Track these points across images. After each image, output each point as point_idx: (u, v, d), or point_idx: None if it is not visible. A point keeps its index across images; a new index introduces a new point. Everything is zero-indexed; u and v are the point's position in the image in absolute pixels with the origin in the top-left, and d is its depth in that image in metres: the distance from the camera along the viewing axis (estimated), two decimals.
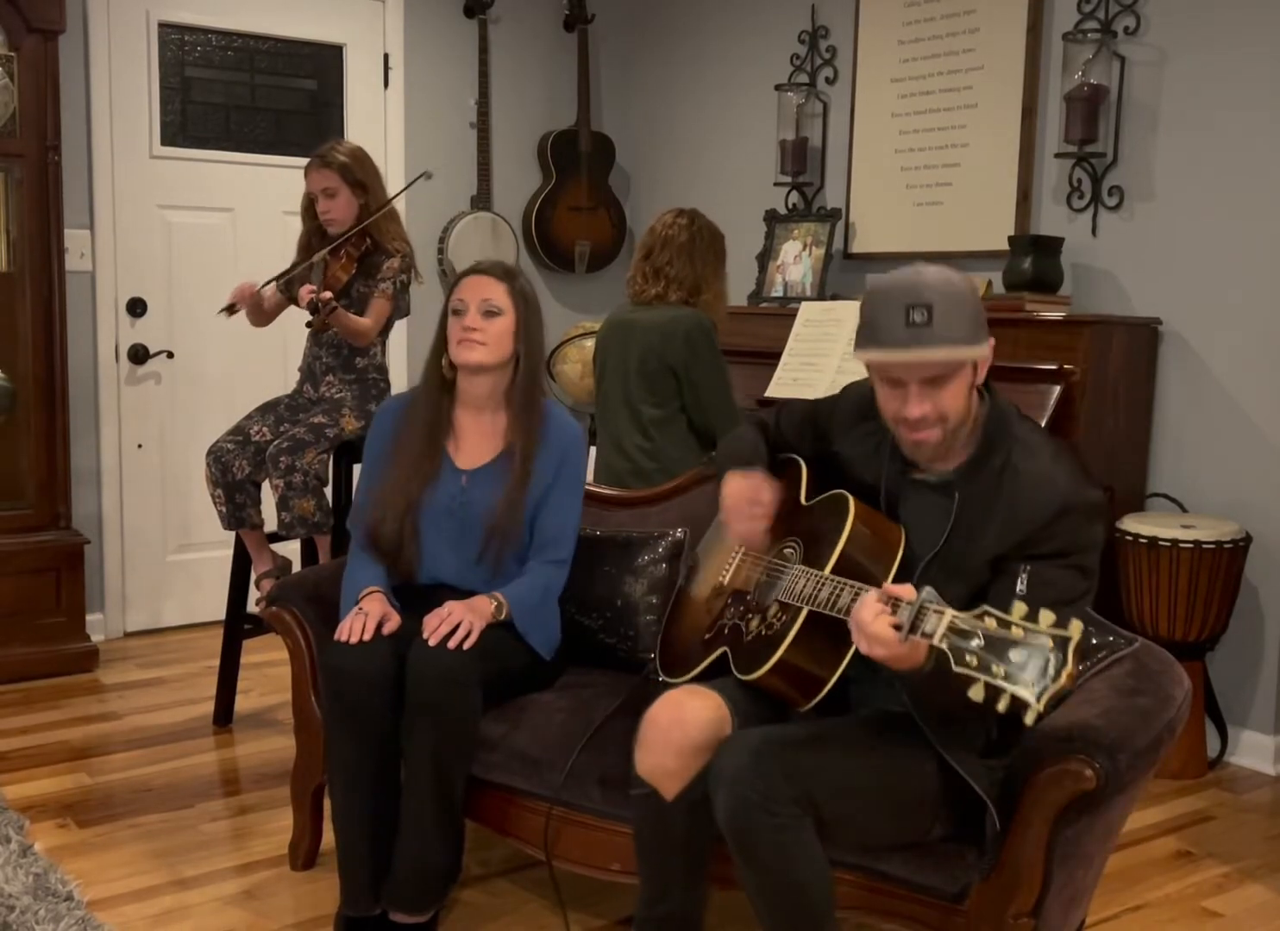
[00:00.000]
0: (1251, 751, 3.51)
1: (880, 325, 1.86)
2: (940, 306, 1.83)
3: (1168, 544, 3.29)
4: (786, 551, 2.10)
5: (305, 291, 3.19)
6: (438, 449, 2.58)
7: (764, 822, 1.83)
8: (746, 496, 2.13)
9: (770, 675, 1.97)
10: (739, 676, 2.04)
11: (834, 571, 1.92)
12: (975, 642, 1.58)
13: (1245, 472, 3.49)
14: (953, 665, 1.59)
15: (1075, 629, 1.54)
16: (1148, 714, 1.96)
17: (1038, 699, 1.52)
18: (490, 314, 2.52)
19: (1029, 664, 1.53)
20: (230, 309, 3.38)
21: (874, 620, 1.71)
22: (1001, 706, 1.55)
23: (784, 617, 1.98)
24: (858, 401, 2.13)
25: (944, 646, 1.61)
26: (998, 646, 1.56)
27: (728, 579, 2.22)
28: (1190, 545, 3.28)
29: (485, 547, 2.55)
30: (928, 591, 1.69)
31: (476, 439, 2.61)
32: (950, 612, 1.63)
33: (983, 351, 1.89)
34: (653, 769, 2.03)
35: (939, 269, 1.88)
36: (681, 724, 2.01)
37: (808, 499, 2.14)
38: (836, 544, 1.95)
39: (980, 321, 1.89)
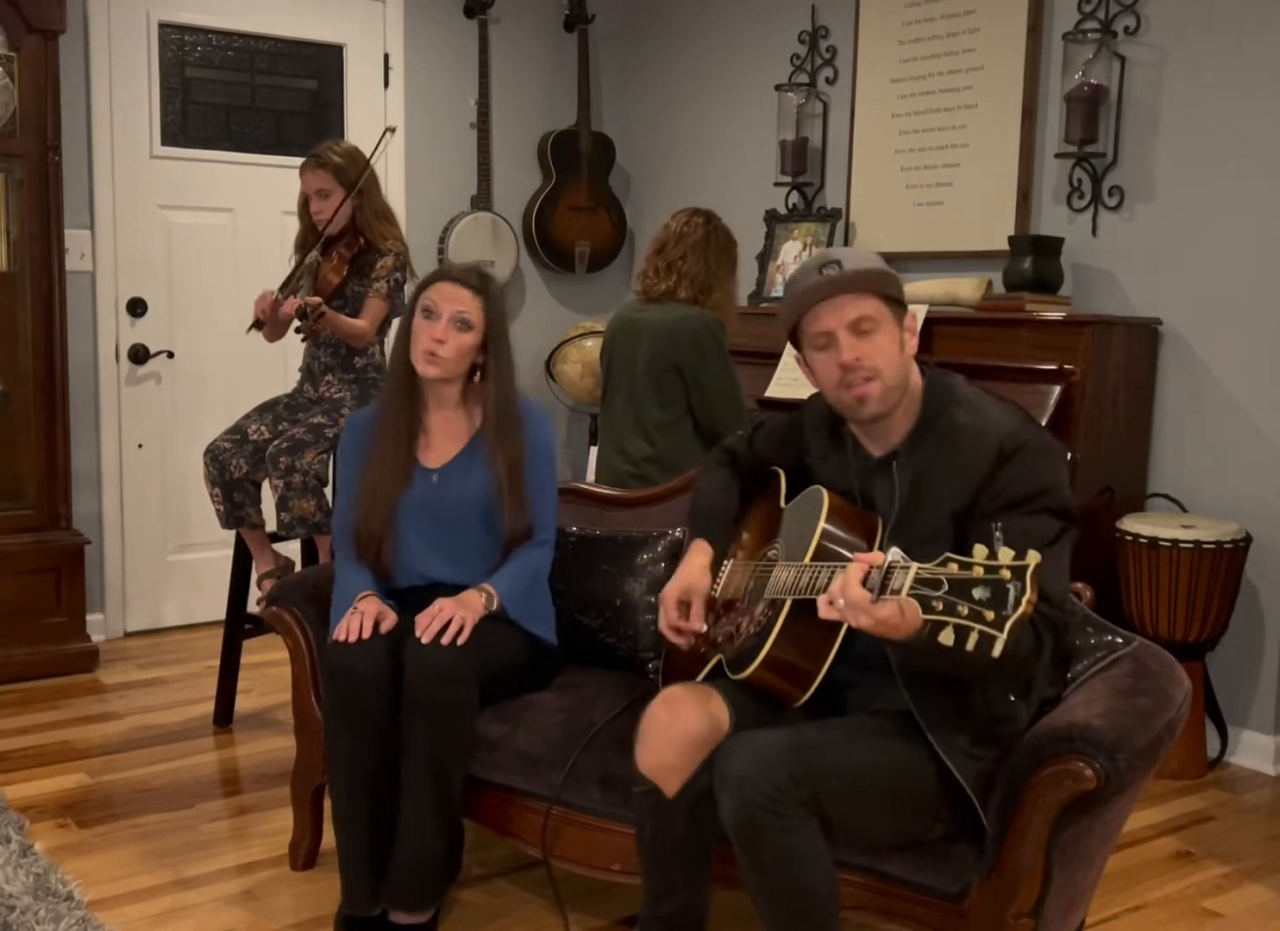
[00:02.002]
0: (1251, 751, 3.51)
1: (798, 291, 1.99)
2: (848, 260, 1.97)
3: (1168, 544, 3.29)
4: (771, 553, 2.13)
5: (292, 302, 3.20)
6: (411, 451, 2.60)
7: (771, 825, 1.83)
8: (681, 598, 2.18)
9: (760, 671, 1.98)
10: (731, 676, 2.05)
11: (814, 559, 1.94)
12: (941, 590, 1.61)
13: (1245, 473, 3.49)
14: (921, 614, 1.62)
15: (1033, 557, 1.57)
16: (1148, 714, 1.95)
17: (1001, 628, 1.55)
18: (461, 326, 2.52)
19: (991, 598, 1.57)
20: (258, 324, 3.36)
21: (847, 588, 1.72)
22: (970, 645, 1.57)
23: (770, 613, 1.99)
24: (818, 411, 2.19)
25: (912, 598, 1.64)
26: (961, 588, 1.60)
27: (719, 592, 2.24)
28: (1190, 545, 3.28)
29: (510, 539, 2.57)
30: (894, 552, 1.71)
31: (443, 436, 2.63)
32: (915, 566, 1.66)
33: (901, 306, 1.99)
34: (653, 765, 2.04)
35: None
36: (681, 720, 2.02)
37: (786, 501, 2.18)
38: (814, 532, 1.97)
39: (896, 287, 2.01)
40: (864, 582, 1.71)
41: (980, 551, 1.61)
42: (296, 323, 3.25)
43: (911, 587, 1.64)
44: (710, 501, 2.34)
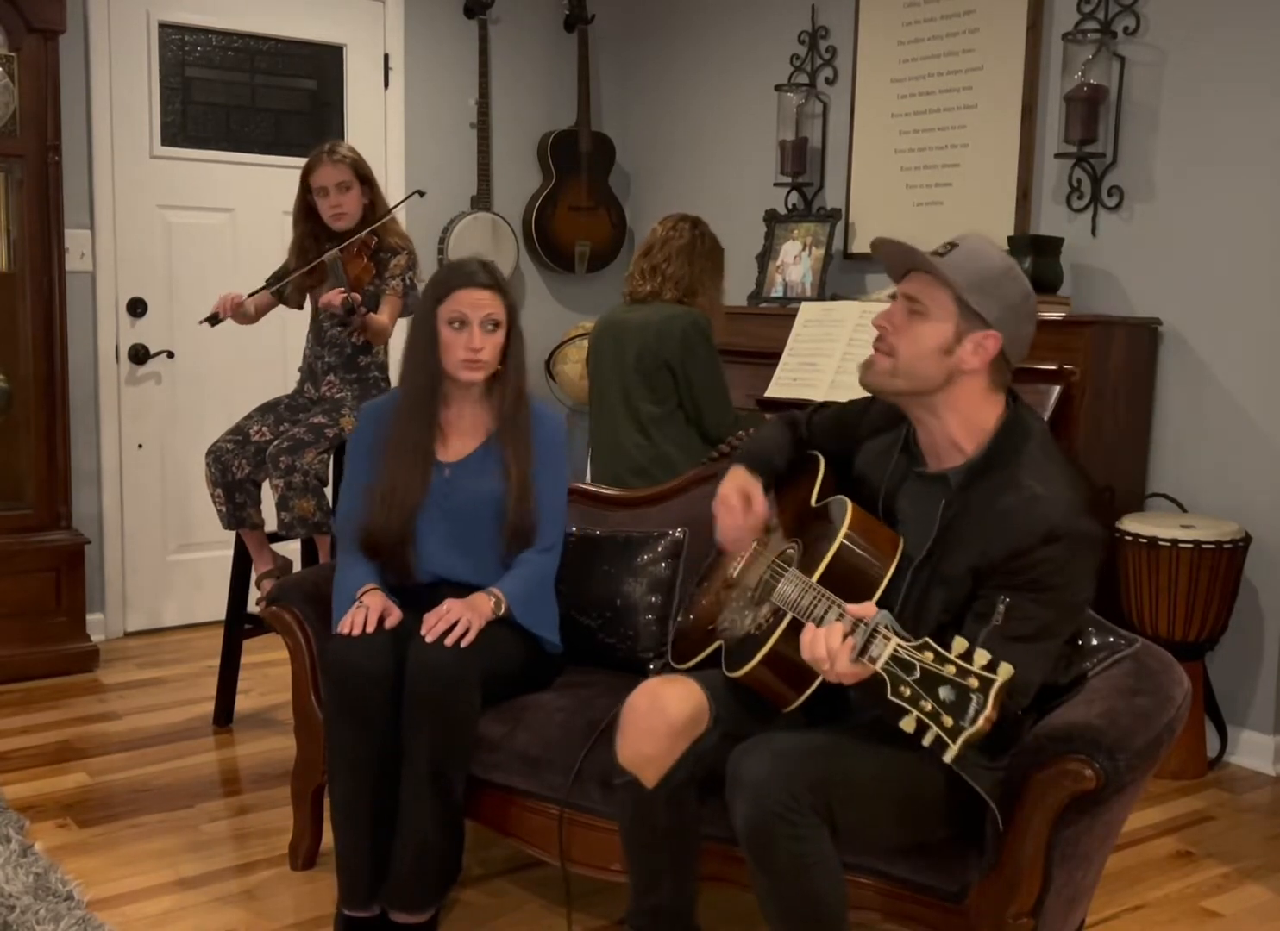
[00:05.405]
0: (1251, 751, 3.51)
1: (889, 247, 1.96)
2: (964, 251, 1.93)
3: (1168, 544, 3.29)
4: (789, 552, 2.12)
5: (336, 294, 3.16)
6: (431, 445, 2.60)
7: (784, 832, 1.83)
8: (740, 493, 2.16)
9: (751, 675, 1.99)
10: (727, 673, 2.05)
11: (823, 579, 1.93)
12: (913, 675, 1.61)
13: (1245, 473, 3.49)
14: (888, 693, 1.62)
15: (1004, 672, 1.56)
16: (1148, 714, 1.96)
17: (953, 739, 1.56)
18: (491, 328, 2.55)
19: (954, 703, 1.57)
20: (213, 319, 3.35)
21: (830, 638, 1.73)
22: (927, 741, 1.58)
23: (771, 620, 2.00)
24: (890, 406, 2.12)
25: (884, 673, 1.64)
26: (931, 681, 1.59)
27: (737, 573, 2.23)
28: (1190, 545, 3.28)
29: (509, 546, 2.58)
30: (883, 615, 1.71)
31: (460, 433, 2.64)
32: (895, 640, 1.65)
33: (979, 321, 1.91)
34: (632, 756, 2.05)
35: None
36: (660, 710, 2.03)
37: (817, 500, 2.15)
38: (826, 553, 1.96)
39: (988, 303, 1.91)
40: (848, 634, 1.72)
41: (959, 645, 1.60)
42: (339, 317, 3.22)
43: (886, 664, 1.64)
44: (761, 450, 2.28)
